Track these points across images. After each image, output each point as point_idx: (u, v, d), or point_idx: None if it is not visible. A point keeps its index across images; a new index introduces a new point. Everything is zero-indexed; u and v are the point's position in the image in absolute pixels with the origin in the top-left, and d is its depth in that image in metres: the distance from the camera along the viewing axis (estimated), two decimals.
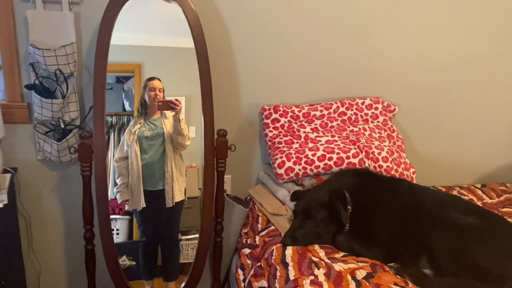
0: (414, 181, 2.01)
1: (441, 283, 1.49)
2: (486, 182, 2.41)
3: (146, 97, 1.81)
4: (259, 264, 1.69)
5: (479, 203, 2.10)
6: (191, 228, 1.93)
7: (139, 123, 1.82)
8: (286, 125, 2.02)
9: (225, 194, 1.97)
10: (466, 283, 1.45)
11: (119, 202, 1.85)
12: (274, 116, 2.02)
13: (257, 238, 1.81)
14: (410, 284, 1.46)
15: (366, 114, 2.12)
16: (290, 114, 2.03)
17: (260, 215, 1.93)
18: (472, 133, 2.38)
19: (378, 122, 2.13)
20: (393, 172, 1.95)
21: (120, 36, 1.75)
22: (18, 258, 1.91)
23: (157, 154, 1.83)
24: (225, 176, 1.93)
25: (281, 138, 1.99)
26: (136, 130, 1.80)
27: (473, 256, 1.50)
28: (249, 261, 1.80)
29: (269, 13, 1.97)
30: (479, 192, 2.25)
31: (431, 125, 2.31)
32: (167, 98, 1.81)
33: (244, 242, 1.89)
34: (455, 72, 2.27)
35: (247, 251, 1.83)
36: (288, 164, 1.88)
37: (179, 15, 1.78)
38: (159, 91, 1.81)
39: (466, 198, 2.16)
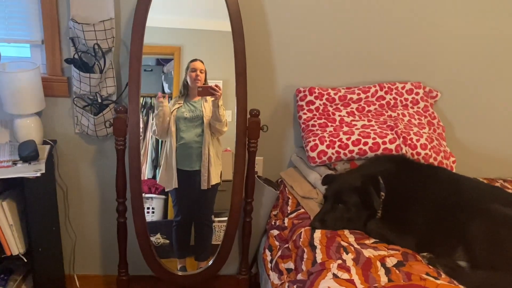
0: (454, 171, 1.92)
1: (476, 276, 1.42)
2: None
3: (188, 78, 1.81)
4: (286, 245, 1.67)
5: None
6: (224, 210, 1.93)
7: (178, 103, 1.82)
8: (321, 108, 1.98)
9: (256, 176, 1.96)
10: (503, 277, 1.38)
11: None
12: (309, 98, 1.97)
13: (286, 220, 1.79)
14: (443, 275, 1.40)
15: (406, 99, 2.03)
16: (325, 96, 1.98)
17: (290, 197, 1.91)
18: None
19: (418, 108, 2.04)
20: (431, 160, 1.87)
21: (160, 18, 1.76)
22: (55, 226, 1.99)
23: (194, 135, 1.83)
24: (257, 158, 1.92)
25: (315, 121, 1.94)
26: (174, 110, 1.81)
27: None
28: (277, 243, 1.78)
29: None
30: None
31: (475, 114, 2.19)
32: (208, 84, 1.80)
33: (273, 223, 1.88)
34: (502, 59, 2.12)
35: (275, 232, 1.82)
36: (321, 147, 1.84)
37: None
38: (200, 72, 1.80)
39: (510, 191, 2.04)
